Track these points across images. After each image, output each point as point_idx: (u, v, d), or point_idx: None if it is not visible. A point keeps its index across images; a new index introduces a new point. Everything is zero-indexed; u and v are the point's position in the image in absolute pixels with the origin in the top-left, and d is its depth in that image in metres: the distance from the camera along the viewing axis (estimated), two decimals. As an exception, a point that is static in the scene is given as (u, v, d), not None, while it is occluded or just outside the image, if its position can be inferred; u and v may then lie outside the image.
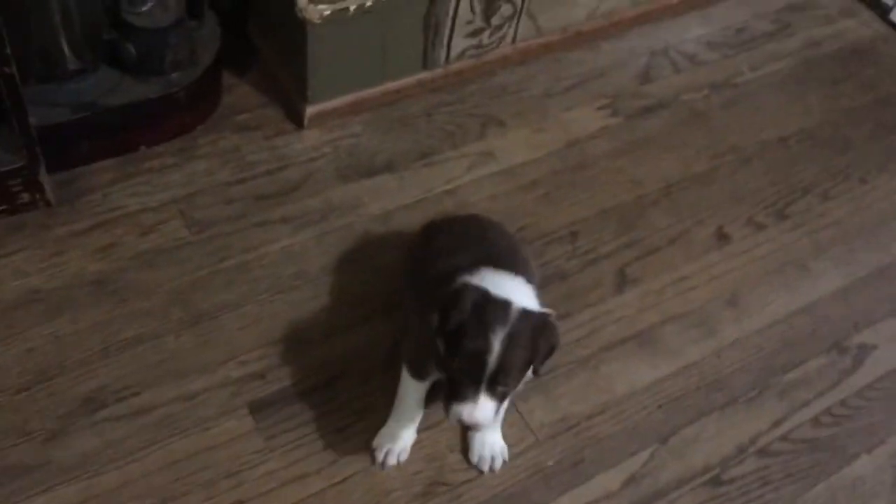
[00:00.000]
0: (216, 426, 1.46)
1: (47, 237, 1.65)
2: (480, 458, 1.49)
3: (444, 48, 2.00)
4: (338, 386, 1.54)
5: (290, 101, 1.93)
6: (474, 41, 2.04)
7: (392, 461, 1.46)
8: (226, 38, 1.87)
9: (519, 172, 1.93)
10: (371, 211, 1.80)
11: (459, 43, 2.01)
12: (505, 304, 1.27)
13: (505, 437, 1.51)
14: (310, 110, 1.90)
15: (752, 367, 1.68)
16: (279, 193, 1.80)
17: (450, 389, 1.27)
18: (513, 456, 1.51)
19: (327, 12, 1.74)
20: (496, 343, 1.23)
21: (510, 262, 1.41)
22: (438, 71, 2.04)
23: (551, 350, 1.30)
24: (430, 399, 1.47)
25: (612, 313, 1.73)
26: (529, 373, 1.31)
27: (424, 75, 2.02)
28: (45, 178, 1.64)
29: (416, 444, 1.49)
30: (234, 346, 1.56)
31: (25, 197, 1.65)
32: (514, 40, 2.11)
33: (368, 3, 1.77)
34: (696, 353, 1.69)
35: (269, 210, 1.77)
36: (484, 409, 1.25)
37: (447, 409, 1.26)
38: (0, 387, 1.45)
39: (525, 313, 1.27)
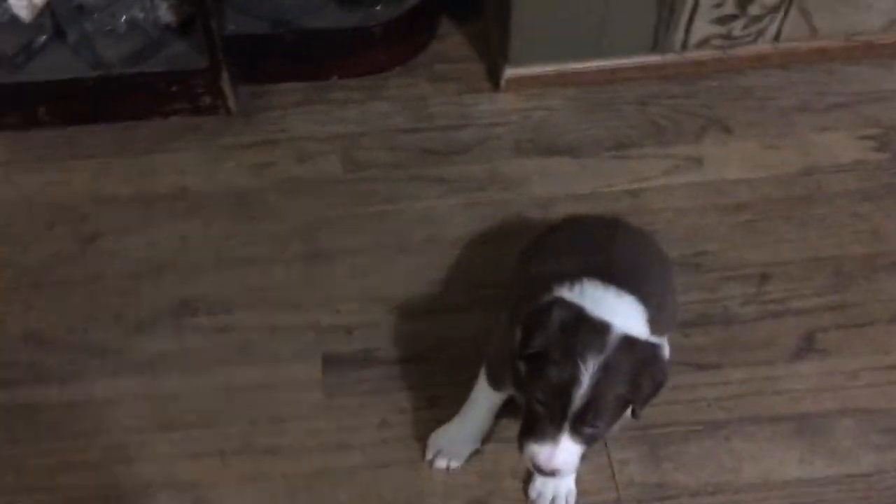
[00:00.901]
0: (285, 367, 1.40)
1: (214, 143, 1.68)
2: (541, 495, 1.27)
3: (682, 31, 1.72)
4: (421, 366, 1.40)
5: (493, 60, 1.78)
6: (722, 30, 1.73)
7: (441, 464, 1.29)
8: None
9: (726, 190, 1.62)
10: (535, 192, 1.61)
11: (702, 28, 1.72)
12: (603, 328, 1.04)
13: (580, 481, 1.27)
14: (508, 72, 1.74)
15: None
16: (446, 152, 1.67)
17: (527, 423, 1.07)
18: (581, 505, 1.27)
19: (537, -34, 1.56)
20: (586, 375, 1.00)
21: (630, 280, 1.15)
22: (671, 57, 1.77)
23: (657, 388, 1.05)
24: (509, 411, 1.27)
25: (777, 382, 1.38)
26: (627, 414, 1.07)
27: (652, 59, 1.77)
28: (226, 85, 1.67)
29: (476, 455, 1.31)
30: (336, 293, 1.48)
31: (207, 100, 1.69)
32: (776, 37, 1.77)
33: (589, -37, 1.56)
34: (871, 463, 1.30)
35: (428, 166, 1.65)
36: (565, 454, 1.04)
37: (521, 445, 1.06)
38: (115, 268, 1.50)
39: (627, 341, 1.03)
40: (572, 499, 1.26)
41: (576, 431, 1.02)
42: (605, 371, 0.99)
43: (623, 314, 1.08)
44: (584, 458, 1.06)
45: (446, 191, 1.62)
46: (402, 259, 1.53)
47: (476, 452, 1.31)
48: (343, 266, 1.52)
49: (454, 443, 1.29)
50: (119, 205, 1.59)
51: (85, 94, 1.64)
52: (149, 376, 1.39)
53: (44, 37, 1.63)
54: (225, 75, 1.65)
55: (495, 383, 1.22)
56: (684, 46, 1.76)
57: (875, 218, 1.57)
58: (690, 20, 1.70)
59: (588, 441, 1.03)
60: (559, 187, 1.62)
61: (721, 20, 1.71)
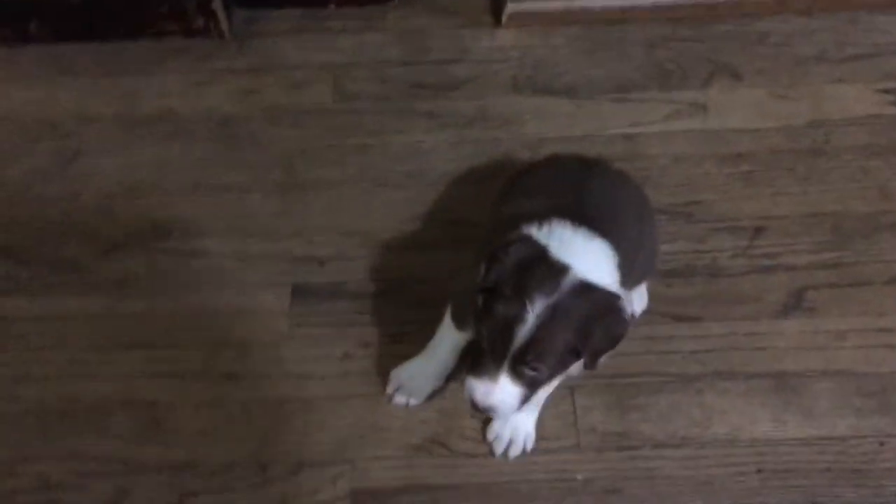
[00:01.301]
0: (253, 295, 1.37)
1: (203, 66, 1.64)
2: (498, 437, 1.23)
3: (695, -30, 1.63)
4: (389, 301, 1.36)
5: (497, -7, 1.71)
6: (739, -30, 1.64)
7: (401, 400, 1.26)
8: None
9: (728, 138, 1.54)
10: (526, 132, 1.55)
11: (717, -32, 1.63)
12: (560, 269, 0.99)
13: (541, 426, 1.24)
14: (511, 6, 1.67)
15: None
16: (438, 87, 1.62)
17: (473, 359, 1.04)
18: (539, 450, 1.23)
19: None
20: (532, 314, 0.96)
21: (603, 222, 1.09)
22: (683, -2, 1.68)
23: (611, 340, 1.01)
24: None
25: (759, 338, 1.32)
26: (579, 365, 1.03)
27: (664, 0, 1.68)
28: (218, 6, 1.63)
29: (437, 394, 1.27)
30: (310, 224, 1.44)
31: (199, 22, 1.65)
32: (798, -19, 1.67)
33: None
34: (848, 426, 1.24)
35: (418, 100, 1.60)
36: (502, 393, 1.01)
37: (464, 380, 1.04)
38: (93, 189, 1.49)
39: (584, 287, 0.99)
40: (530, 442, 1.23)
41: (515, 371, 0.98)
42: (552, 313, 0.95)
43: (590, 258, 1.03)
44: (542, 397, 1.03)
45: (434, 126, 1.56)
46: (381, 193, 1.49)
47: (438, 391, 1.27)
48: (321, 197, 1.48)
49: (415, 379, 1.26)
50: (102, 124, 1.57)
51: (76, 8, 1.61)
52: (116, 297, 1.37)
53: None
54: (217, -3, 1.61)
55: (459, 322, 1.19)
56: (698, -14, 1.66)
57: (883, 175, 1.49)
58: (704, -42, 1.61)
59: (529, 384, 1.00)
60: (552, 128, 1.56)
61: (737, -41, 1.62)
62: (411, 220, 1.45)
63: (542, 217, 1.07)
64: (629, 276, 1.15)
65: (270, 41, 1.68)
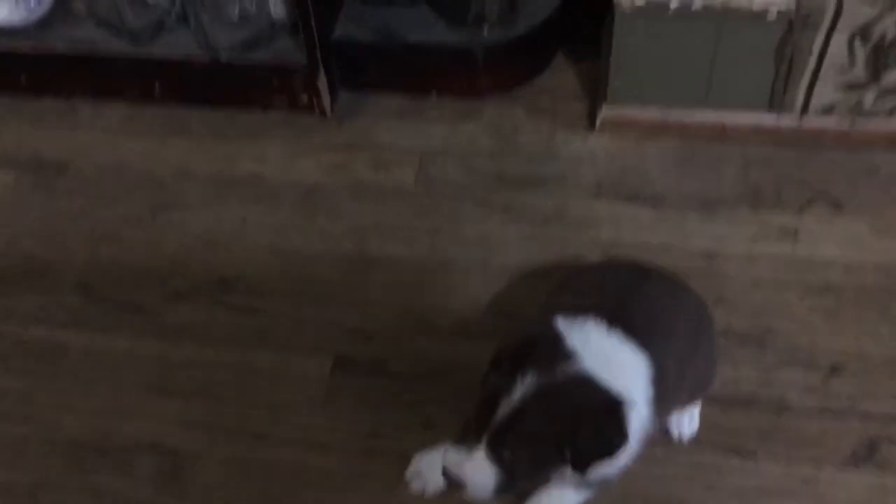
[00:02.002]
0: (297, 359, 1.38)
1: (301, 139, 1.71)
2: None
3: (802, 93, 1.58)
4: (427, 386, 1.34)
5: (593, 100, 1.71)
6: (850, 98, 1.57)
7: (418, 486, 1.22)
8: (570, 16, 1.72)
9: (816, 269, 1.45)
10: (600, 236, 1.51)
11: (826, 94, 1.57)
12: (565, 355, 0.95)
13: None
14: (606, 112, 1.66)
15: None
16: (521, 182, 1.61)
17: (461, 427, 1.00)
18: (552, 568, 1.14)
19: (640, 2, 1.48)
20: (519, 390, 0.92)
21: (646, 331, 1.04)
22: (787, 120, 1.62)
23: (601, 446, 0.94)
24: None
25: (818, 486, 1.20)
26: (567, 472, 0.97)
27: (767, 119, 1.62)
28: (323, 85, 1.70)
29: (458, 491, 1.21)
30: (368, 297, 1.45)
31: (304, 98, 1.73)
32: (917, 117, 1.58)
33: (697, 5, 1.47)
34: None
35: (498, 192, 1.60)
36: (474, 468, 0.96)
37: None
38: (175, 238, 1.55)
39: (585, 380, 0.94)
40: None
41: (493, 451, 0.93)
42: (540, 396, 0.90)
43: (616, 363, 0.98)
44: (508, 493, 0.97)
45: (508, 219, 1.55)
46: (443, 278, 1.47)
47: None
48: (385, 274, 1.49)
49: (436, 470, 1.21)
50: (197, 181, 1.65)
51: (196, 75, 1.73)
52: (170, 343, 1.41)
53: (170, 18, 1.73)
54: (322, 76, 1.68)
55: None
56: (805, 110, 1.60)
57: None
58: (812, 82, 1.55)
59: (507, 471, 0.94)
60: (627, 235, 1.51)
61: (849, 86, 1.55)
62: (468, 307, 1.43)
63: (577, 312, 1.02)
64: (676, 394, 1.08)
65: (369, 122, 1.74)
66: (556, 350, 0.94)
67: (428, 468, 1.22)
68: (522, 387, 0.92)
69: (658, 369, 1.01)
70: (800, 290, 1.42)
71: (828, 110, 1.59)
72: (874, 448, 1.22)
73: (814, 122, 1.61)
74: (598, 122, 1.67)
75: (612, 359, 0.98)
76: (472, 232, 1.54)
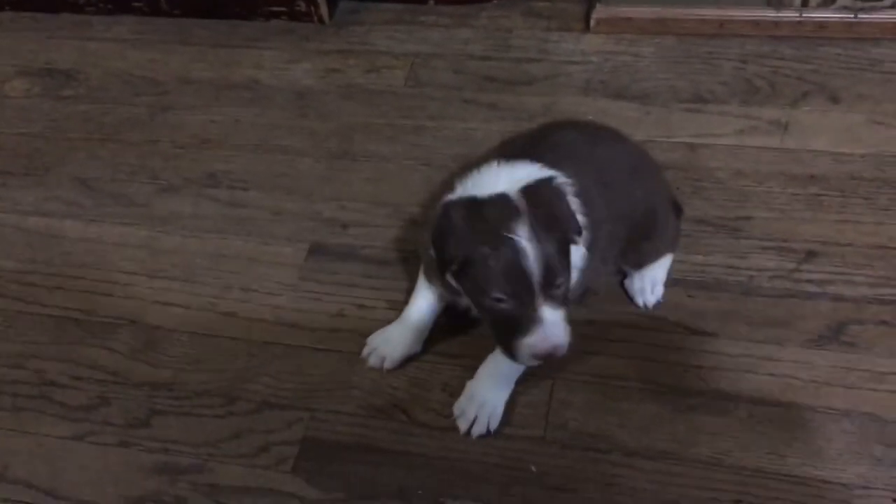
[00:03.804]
0: (274, 245, 1.41)
1: (297, 46, 1.74)
2: (463, 413, 1.18)
3: (801, -15, 1.52)
4: (396, 271, 1.35)
5: (591, 1, 1.68)
6: (852, -12, 1.50)
7: (374, 362, 1.24)
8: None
9: (804, 160, 1.40)
10: (584, 130, 1.49)
11: (827, -16, 1.51)
12: (502, 199, 0.96)
13: (512, 411, 1.17)
14: (599, 11, 1.64)
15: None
16: (509, 82, 1.61)
17: (500, 329, 1.01)
18: (501, 435, 1.15)
19: None
20: (524, 241, 0.94)
21: (555, 159, 1.05)
22: (789, 15, 1.56)
23: (564, 216, 0.98)
24: (453, 328, 1.21)
25: (778, 365, 1.17)
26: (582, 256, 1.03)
27: (767, 15, 1.57)
28: (319, -7, 1.72)
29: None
30: (348, 190, 1.47)
31: (302, 6, 1.76)
32: (924, 6, 1.50)
33: None
34: (857, 475, 1.07)
35: (485, 92, 1.59)
36: (556, 326, 0.97)
37: (512, 352, 1.00)
38: (172, 138, 1.61)
39: (529, 190, 0.98)
40: (494, 422, 1.16)
41: (549, 299, 0.95)
42: (534, 230, 0.94)
43: (515, 177, 1.01)
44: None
45: (493, 116, 1.55)
46: (423, 170, 1.49)
47: (414, 359, 1.23)
48: (365, 169, 1.51)
49: (390, 343, 1.23)
50: (197, 86, 1.70)
51: (199, -13, 1.78)
52: (157, 230, 1.46)
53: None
54: (318, -18, 1.70)
55: (430, 280, 1.17)
56: (805, 4, 1.54)
57: None
58: (811, -29, 1.49)
59: (563, 302, 0.97)
60: (612, 129, 1.48)
61: (850, -25, 1.48)
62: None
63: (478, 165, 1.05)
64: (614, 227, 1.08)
65: (365, 29, 1.76)
66: (493, 203, 0.97)
67: (382, 343, 1.24)
68: (523, 238, 0.94)
69: (580, 184, 1.03)
70: (783, 179, 1.38)
71: (829, 2, 1.53)
72: (842, 330, 1.19)
73: (814, 15, 1.55)
74: (592, 23, 1.65)
75: (509, 177, 1.01)
76: (456, 129, 1.54)
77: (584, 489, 1.09)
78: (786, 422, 1.11)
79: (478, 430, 1.15)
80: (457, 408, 1.18)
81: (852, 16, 1.53)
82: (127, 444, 1.20)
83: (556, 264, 0.95)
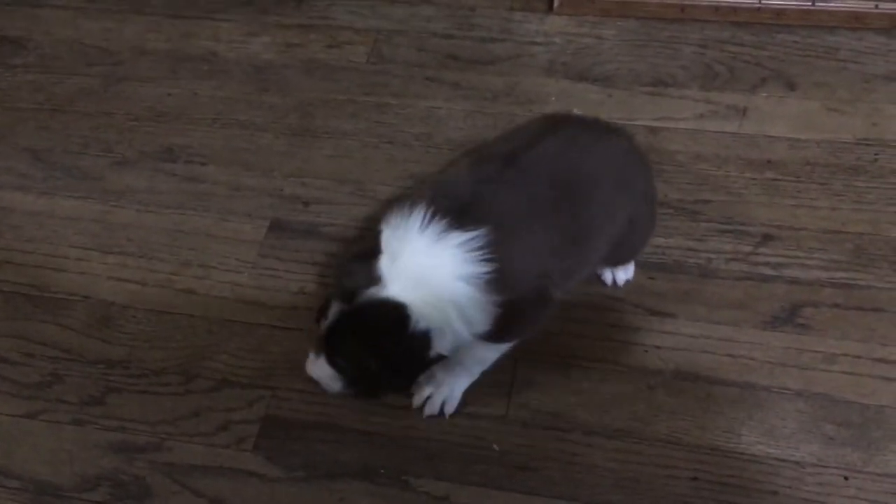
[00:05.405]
0: (233, 222, 1.39)
1: (257, 19, 1.71)
2: (419, 389, 1.17)
3: (761, -28, 1.54)
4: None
5: (554, -19, 1.68)
6: (810, -24, 1.53)
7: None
8: None
9: (761, 144, 1.42)
10: (546, 112, 1.50)
11: (786, -29, 1.53)
12: (370, 281, 0.99)
13: (474, 390, 1.16)
14: (562, -9, 1.63)
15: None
16: (472, 61, 1.60)
17: None
18: (463, 413, 1.16)
19: None
20: (333, 308, 1.02)
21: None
22: (748, 1, 1.59)
23: (399, 356, 1.01)
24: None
25: (735, 346, 1.19)
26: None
27: (726, 0, 1.59)
28: (280, -34, 1.69)
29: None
30: (309, 167, 1.46)
31: (262, -22, 1.72)
32: (879, -3, 1.53)
33: None
34: (810, 453, 1.09)
35: (449, 70, 1.59)
36: (318, 369, 1.05)
37: None
38: (127, 110, 1.57)
39: (374, 303, 0.98)
40: (449, 407, 1.16)
41: (327, 356, 1.03)
42: (341, 318, 1.00)
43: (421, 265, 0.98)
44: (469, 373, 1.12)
45: (456, 95, 1.54)
46: (385, 148, 1.48)
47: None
48: (326, 145, 1.49)
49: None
50: (152, 57, 1.66)
51: (154, -45, 1.73)
52: (111, 204, 1.43)
53: None
54: (279, -47, 1.67)
55: None
56: (764, -9, 1.56)
57: (937, 205, 1.32)
58: (771, -42, 1.51)
59: (342, 373, 1.03)
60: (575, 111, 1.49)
61: (809, -37, 1.51)
62: (407, 178, 1.43)
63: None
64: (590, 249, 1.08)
65: (327, 3, 1.73)
66: (366, 272, 0.98)
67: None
68: (335, 307, 1.00)
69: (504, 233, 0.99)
70: (741, 164, 1.40)
71: (788, -10, 1.55)
72: (796, 312, 1.21)
73: (773, 2, 1.57)
74: (555, 3, 1.65)
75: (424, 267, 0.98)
76: (419, 107, 1.53)
77: (545, 468, 1.10)
78: (741, 402, 1.14)
79: (429, 410, 1.15)
80: (415, 384, 1.18)
81: (809, 3, 1.55)
82: (82, 422, 1.18)
83: (340, 348, 1.02)
